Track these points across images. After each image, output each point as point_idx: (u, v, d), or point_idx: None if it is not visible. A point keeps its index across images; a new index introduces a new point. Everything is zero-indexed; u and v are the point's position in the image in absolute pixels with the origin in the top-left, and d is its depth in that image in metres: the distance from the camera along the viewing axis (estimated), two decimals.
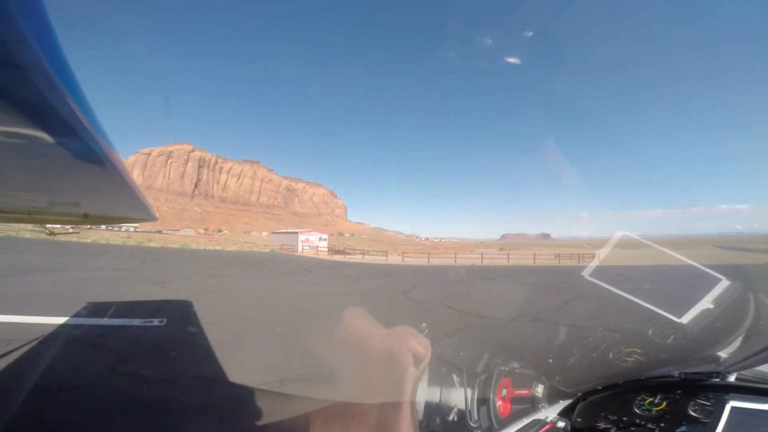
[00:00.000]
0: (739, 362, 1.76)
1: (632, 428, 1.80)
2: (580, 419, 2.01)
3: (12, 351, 4.19)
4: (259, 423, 2.68)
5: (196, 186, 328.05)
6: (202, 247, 46.50)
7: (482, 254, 40.28)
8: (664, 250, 3.18)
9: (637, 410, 1.88)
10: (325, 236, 60.91)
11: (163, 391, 3.69)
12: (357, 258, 37.83)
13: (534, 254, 41.00)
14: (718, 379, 1.75)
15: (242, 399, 3.63)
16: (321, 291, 11.52)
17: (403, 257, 37.64)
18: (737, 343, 1.98)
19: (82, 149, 0.74)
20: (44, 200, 1.55)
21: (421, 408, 1.54)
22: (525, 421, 1.83)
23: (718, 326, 2.02)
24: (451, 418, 1.75)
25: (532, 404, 2.15)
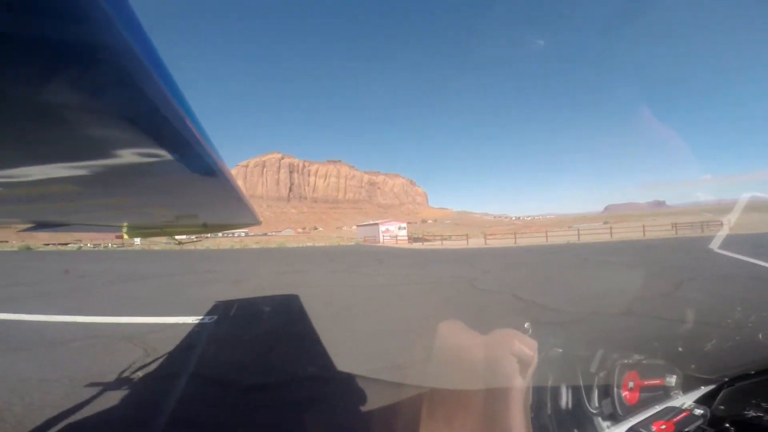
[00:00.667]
0: None
1: None
2: (723, 407, 1.72)
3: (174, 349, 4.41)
4: (365, 409, 2.68)
5: (290, 190, 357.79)
6: (295, 245, 49.96)
7: (578, 230, 35.95)
8: None
9: None
10: (404, 225, 60.89)
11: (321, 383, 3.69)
12: (435, 244, 36.81)
13: (643, 225, 35.30)
14: None
15: (354, 388, 3.60)
16: (374, 282, 10.94)
17: (485, 240, 35.58)
18: None
19: (200, 164, 0.82)
20: (171, 214, 1.77)
21: (531, 394, 1.23)
22: (657, 408, 1.58)
23: None
24: (566, 403, 1.48)
25: (664, 392, 1.82)
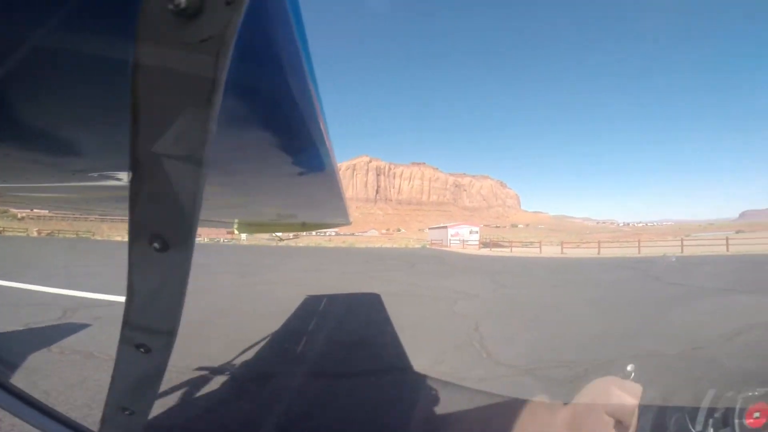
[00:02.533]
0: None
1: None
2: None
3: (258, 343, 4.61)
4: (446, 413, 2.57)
5: (377, 192, 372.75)
6: (370, 245, 51.25)
7: (682, 240, 29.27)
8: None
9: None
10: (476, 229, 57.27)
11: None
12: (504, 251, 34.10)
13: None
14: None
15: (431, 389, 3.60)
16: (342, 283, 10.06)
17: (562, 249, 31.95)
18: None
19: (318, 164, 0.82)
20: (275, 213, 1.89)
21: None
22: None
23: None
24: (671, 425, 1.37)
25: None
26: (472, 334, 5.53)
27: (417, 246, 50.22)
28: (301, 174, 0.87)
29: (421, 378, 3.71)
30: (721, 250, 26.01)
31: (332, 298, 8.01)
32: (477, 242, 47.36)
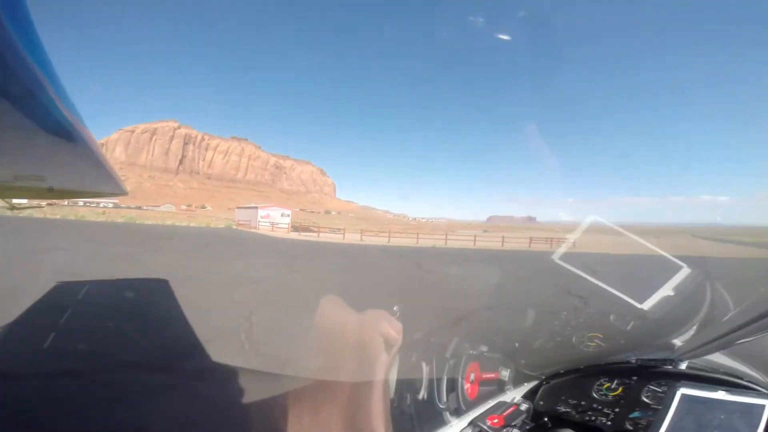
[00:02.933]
0: (692, 350, 1.86)
1: (589, 412, 1.89)
2: (542, 402, 2.04)
3: None
4: (233, 403, 2.69)
5: (180, 163, 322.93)
6: (151, 222, 44.50)
7: (446, 235, 37.79)
8: (632, 236, 2.89)
9: (595, 395, 1.95)
10: (288, 212, 56.64)
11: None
12: (311, 236, 35.06)
13: (503, 237, 38.87)
14: (671, 367, 1.89)
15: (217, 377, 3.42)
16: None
17: (361, 236, 35.00)
18: (692, 331, 2.07)
19: (45, 117, 0.73)
20: (6, 173, 1.51)
21: (392, 387, 1.27)
22: (491, 403, 1.85)
23: (675, 314, 2.09)
24: (421, 397, 1.88)
25: (498, 386, 2.21)
26: (242, 323, 5.36)
27: (221, 226, 46.01)
28: (16, 124, 0.75)
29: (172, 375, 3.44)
30: (470, 244, 33.58)
31: (95, 286, 6.88)
32: (287, 226, 46.46)
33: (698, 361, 1.96)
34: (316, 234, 37.65)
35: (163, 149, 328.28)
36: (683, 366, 1.91)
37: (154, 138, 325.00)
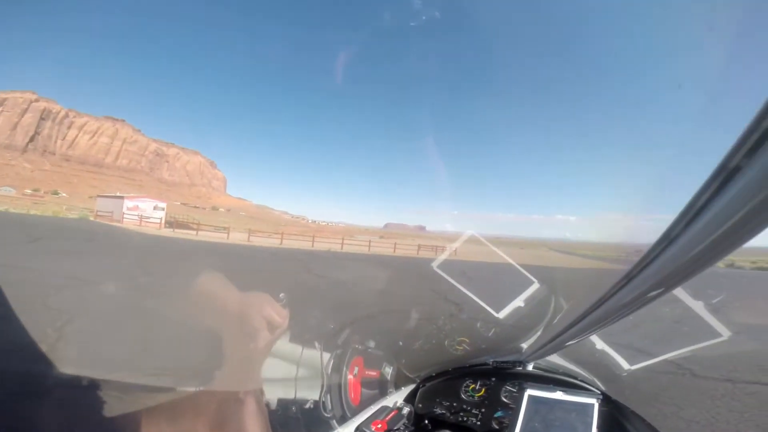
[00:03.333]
0: (534, 353, 2.04)
1: (461, 413, 2.03)
2: (421, 405, 2.17)
3: None
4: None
5: (31, 140, 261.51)
6: None
7: (343, 239, 37.50)
8: (494, 248, 3.08)
9: (463, 396, 2.11)
10: (162, 205, 49.01)
11: None
12: (188, 233, 31.77)
13: (395, 243, 40.68)
14: (520, 368, 2.12)
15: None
16: None
17: (249, 237, 32.49)
18: (537, 335, 2.28)
19: None
20: None
21: (276, 398, 1.67)
22: (374, 408, 1.92)
23: (526, 320, 2.24)
24: (307, 406, 1.89)
25: (380, 389, 2.28)
26: (48, 334, 4.21)
27: (73, 216, 38.06)
28: None
29: None
30: (365, 249, 33.78)
31: None
32: (160, 220, 40.70)
33: (542, 363, 2.12)
34: (194, 232, 33.94)
35: (10, 123, 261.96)
36: (530, 367, 2.07)
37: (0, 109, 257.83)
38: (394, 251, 34.41)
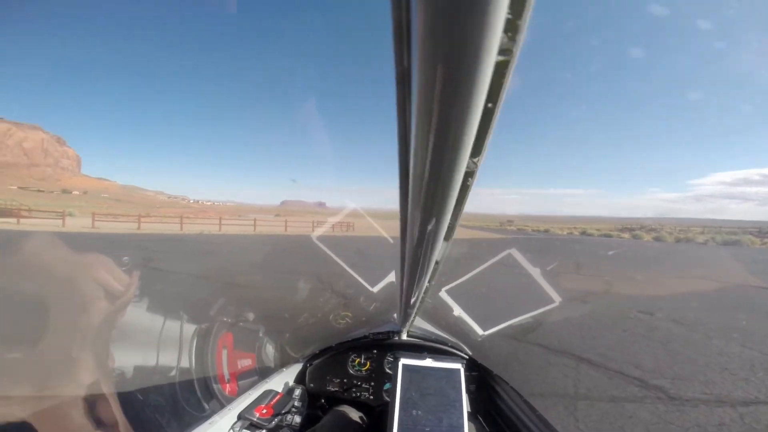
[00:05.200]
0: (403, 321, 1.92)
1: (353, 389, 1.98)
2: (312, 384, 2.03)
3: None
4: None
5: None
6: None
7: (221, 219, 33.62)
8: (370, 220, 3.13)
9: (351, 371, 2.04)
10: None
11: None
12: (6, 223, 24.27)
13: (286, 221, 38.64)
14: (396, 338, 2.03)
15: None
16: None
17: (93, 222, 26.61)
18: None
19: None
20: None
21: (128, 388, 1.47)
22: (256, 393, 1.68)
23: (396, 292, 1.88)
24: (172, 396, 1.72)
25: (261, 372, 2.15)
26: None
27: None
28: None
29: None
30: (249, 230, 31.18)
31: None
32: None
33: (416, 330, 2.12)
34: (15, 220, 26.63)
35: None
36: (404, 336, 2.04)
37: None
38: (286, 230, 33.16)
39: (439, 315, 2.42)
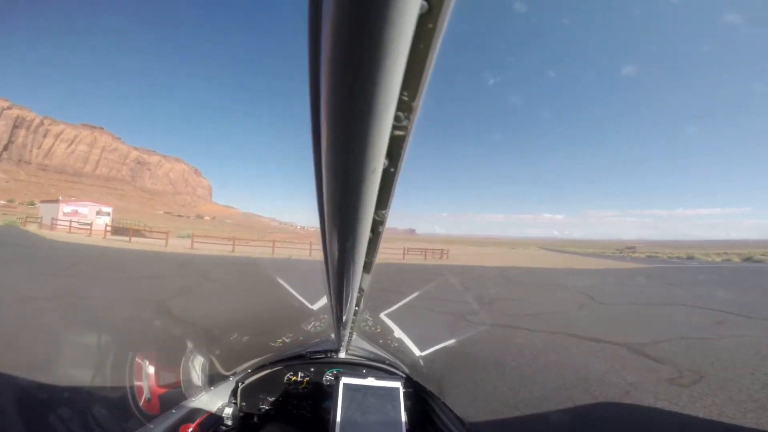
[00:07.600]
0: (340, 339, 1.88)
1: (289, 407, 1.94)
2: (245, 403, 1.96)
3: None
4: None
5: (5, 149, 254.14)
6: None
7: (273, 243, 34.51)
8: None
9: (287, 389, 1.98)
10: (108, 209, 44.73)
11: None
12: (144, 243, 27.21)
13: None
14: (335, 356, 2.02)
15: None
16: None
17: (192, 243, 28.47)
18: None
19: None
20: None
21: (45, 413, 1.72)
22: (181, 412, 1.59)
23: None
24: (83, 412, 1.81)
25: (188, 388, 2.00)
26: None
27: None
28: None
29: None
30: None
31: None
32: (104, 226, 35.16)
33: (355, 349, 2.10)
34: (133, 239, 29.89)
35: None
36: (342, 354, 2.01)
37: None
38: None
39: (376, 334, 2.40)
